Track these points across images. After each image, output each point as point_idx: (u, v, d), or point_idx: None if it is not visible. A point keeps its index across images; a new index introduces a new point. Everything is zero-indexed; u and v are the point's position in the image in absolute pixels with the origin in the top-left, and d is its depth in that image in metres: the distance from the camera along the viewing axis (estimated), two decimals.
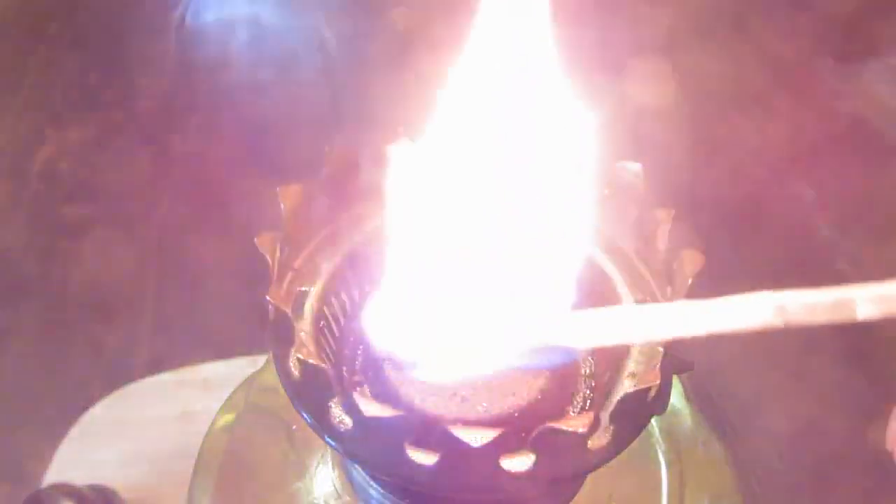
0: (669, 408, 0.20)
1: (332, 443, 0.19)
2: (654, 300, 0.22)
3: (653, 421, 0.22)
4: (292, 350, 0.19)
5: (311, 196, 0.21)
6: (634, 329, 0.16)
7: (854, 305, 0.15)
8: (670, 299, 0.21)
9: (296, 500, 0.27)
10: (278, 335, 0.19)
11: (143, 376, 0.57)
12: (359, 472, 0.23)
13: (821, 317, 0.15)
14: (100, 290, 0.65)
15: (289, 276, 0.22)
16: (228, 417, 0.31)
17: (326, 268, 0.22)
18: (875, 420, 0.59)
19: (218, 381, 0.55)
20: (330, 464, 0.27)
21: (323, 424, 0.19)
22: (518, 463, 0.17)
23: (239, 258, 0.68)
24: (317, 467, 0.27)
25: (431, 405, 0.20)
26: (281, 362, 0.20)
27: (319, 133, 0.82)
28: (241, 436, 0.30)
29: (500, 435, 0.16)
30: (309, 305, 0.21)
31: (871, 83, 0.76)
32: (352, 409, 0.18)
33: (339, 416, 0.18)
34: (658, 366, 0.18)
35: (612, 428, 0.18)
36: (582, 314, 0.17)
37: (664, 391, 0.19)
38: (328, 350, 0.22)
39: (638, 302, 0.22)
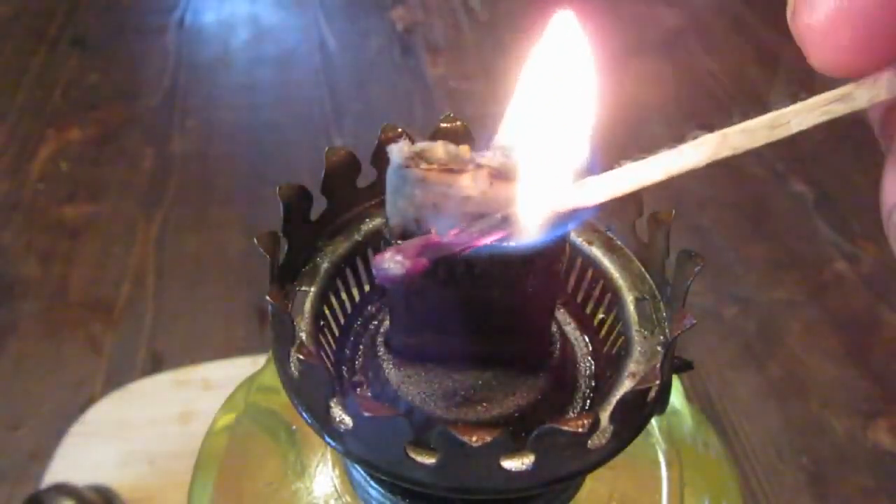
0: (669, 408, 0.20)
1: (332, 443, 0.19)
2: (654, 300, 0.22)
3: (653, 421, 0.22)
4: (292, 350, 0.19)
5: (310, 196, 0.21)
6: (625, 183, 0.17)
7: (788, 122, 0.16)
8: (671, 297, 0.21)
9: (296, 500, 0.27)
10: (278, 335, 0.19)
11: (143, 376, 0.57)
12: (359, 472, 0.23)
13: (761, 139, 0.16)
14: (100, 290, 0.65)
15: (289, 276, 0.22)
16: (228, 417, 0.31)
17: (326, 268, 0.22)
18: (875, 420, 0.59)
19: (218, 381, 0.55)
20: (330, 464, 0.27)
21: (323, 424, 0.19)
22: (518, 463, 0.17)
23: (239, 258, 0.68)
24: (317, 467, 0.27)
25: (431, 405, 0.20)
26: (281, 362, 0.20)
27: (319, 133, 0.82)
28: (241, 436, 0.30)
29: (500, 435, 0.16)
30: (309, 305, 0.21)
31: None
32: (352, 409, 0.18)
33: (339, 416, 0.18)
34: (658, 366, 0.18)
35: (612, 428, 0.18)
36: (587, 180, 0.18)
37: (664, 391, 0.19)
38: (328, 350, 0.22)
39: (637, 301, 0.22)
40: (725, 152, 0.16)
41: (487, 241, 0.18)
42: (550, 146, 0.18)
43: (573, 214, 0.18)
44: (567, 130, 0.18)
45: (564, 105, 0.18)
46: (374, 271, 0.17)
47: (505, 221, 0.18)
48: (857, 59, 0.15)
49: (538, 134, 0.18)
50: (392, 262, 0.17)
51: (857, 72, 0.16)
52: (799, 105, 0.16)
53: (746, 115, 0.16)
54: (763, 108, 0.16)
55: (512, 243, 0.18)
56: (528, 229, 0.18)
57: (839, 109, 0.16)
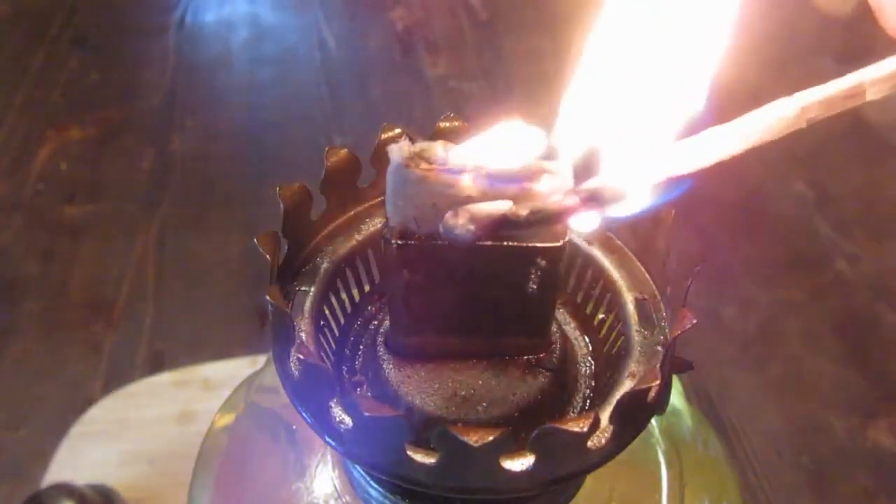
0: (669, 408, 0.20)
1: (332, 443, 0.19)
2: (654, 300, 0.22)
3: (653, 421, 0.22)
4: (292, 350, 0.19)
5: (310, 196, 0.21)
6: (710, 152, 0.18)
7: (864, 90, 0.16)
8: (670, 297, 0.21)
9: (296, 500, 0.27)
10: (278, 335, 0.19)
11: (143, 376, 0.57)
12: (359, 472, 0.23)
13: (838, 108, 0.16)
14: (100, 290, 0.65)
15: (289, 276, 0.22)
16: (228, 417, 0.31)
17: (326, 268, 0.22)
18: (875, 420, 0.59)
19: (218, 381, 0.55)
20: (330, 464, 0.27)
21: (323, 424, 0.19)
22: (518, 463, 0.17)
23: (239, 258, 0.68)
24: (317, 467, 0.27)
25: (431, 405, 0.20)
26: (281, 362, 0.20)
27: (319, 133, 0.82)
28: (241, 436, 0.30)
29: (500, 435, 0.16)
30: (309, 305, 0.21)
31: None
32: (352, 409, 0.18)
33: (339, 416, 0.18)
34: (658, 366, 0.18)
35: (612, 428, 0.18)
36: (674, 147, 0.18)
37: (664, 391, 0.19)
38: (328, 350, 0.22)
39: (637, 301, 0.22)
40: (801, 123, 0.16)
41: (567, 219, 0.17)
42: (653, 105, 0.17)
43: (666, 186, 0.18)
44: (680, 79, 0.17)
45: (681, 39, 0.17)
46: (440, 228, 0.17)
47: (589, 199, 0.17)
48: None
49: (641, 89, 0.17)
50: (463, 231, 0.17)
51: None
52: (875, 73, 0.16)
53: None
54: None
55: (594, 220, 0.18)
56: (616, 205, 0.17)
57: None
